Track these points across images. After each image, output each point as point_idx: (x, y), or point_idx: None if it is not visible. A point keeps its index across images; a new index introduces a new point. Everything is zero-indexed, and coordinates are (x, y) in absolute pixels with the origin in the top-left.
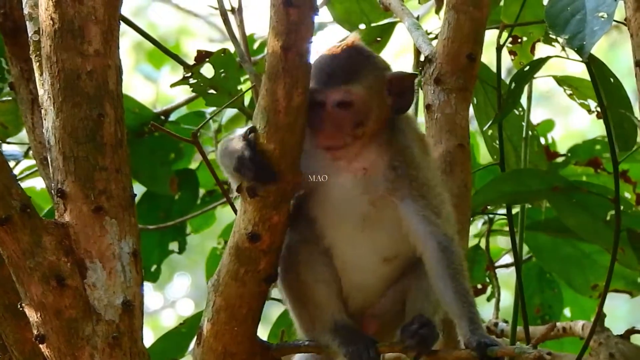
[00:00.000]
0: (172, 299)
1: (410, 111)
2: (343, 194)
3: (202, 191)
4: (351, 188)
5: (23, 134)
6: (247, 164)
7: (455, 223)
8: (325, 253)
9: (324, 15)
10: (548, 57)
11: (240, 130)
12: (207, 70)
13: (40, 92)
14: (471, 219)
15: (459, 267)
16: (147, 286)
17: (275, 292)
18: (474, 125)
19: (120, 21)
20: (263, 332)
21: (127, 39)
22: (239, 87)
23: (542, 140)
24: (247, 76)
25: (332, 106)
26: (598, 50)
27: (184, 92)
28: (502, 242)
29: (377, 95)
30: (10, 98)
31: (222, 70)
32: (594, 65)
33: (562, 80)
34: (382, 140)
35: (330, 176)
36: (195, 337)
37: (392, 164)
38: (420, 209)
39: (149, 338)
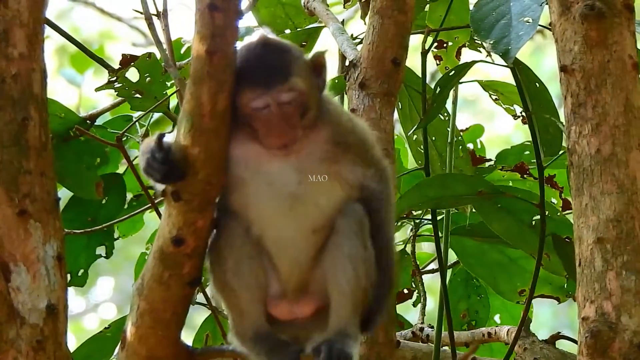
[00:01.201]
0: (95, 303)
1: None
2: (271, 180)
3: (129, 195)
4: (281, 173)
5: None
6: (155, 166)
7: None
8: (253, 248)
9: (249, 19)
10: (473, 62)
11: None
12: (132, 75)
13: None
14: (398, 224)
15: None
16: (70, 290)
17: (200, 297)
18: (398, 130)
19: (45, 24)
20: (188, 337)
21: (49, 42)
22: (164, 91)
23: (471, 146)
24: (173, 80)
25: (277, 106)
26: (522, 54)
27: (109, 97)
28: (429, 247)
29: (309, 81)
30: None
31: (147, 74)
32: (519, 70)
33: (487, 85)
34: (315, 121)
35: (258, 166)
36: (120, 341)
37: (332, 140)
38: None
39: (71, 342)
